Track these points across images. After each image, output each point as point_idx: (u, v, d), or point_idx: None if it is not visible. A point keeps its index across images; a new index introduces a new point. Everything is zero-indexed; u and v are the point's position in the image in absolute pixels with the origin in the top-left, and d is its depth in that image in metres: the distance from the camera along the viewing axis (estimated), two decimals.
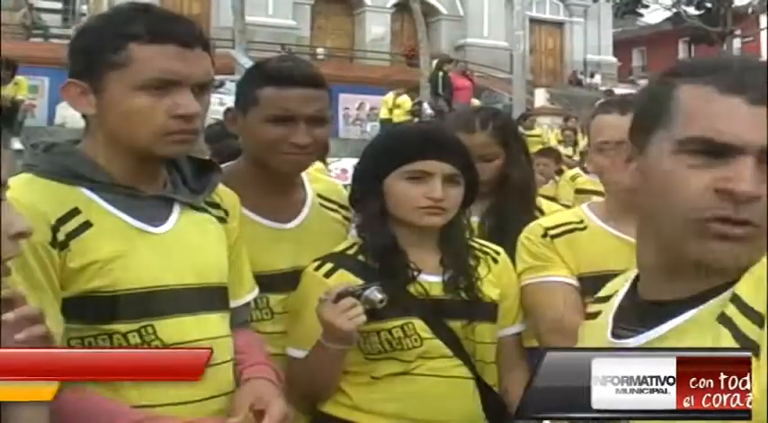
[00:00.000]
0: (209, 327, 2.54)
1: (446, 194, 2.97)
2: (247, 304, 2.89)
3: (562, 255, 3.22)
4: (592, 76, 48.46)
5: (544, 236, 3.26)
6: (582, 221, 3.28)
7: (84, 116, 2.53)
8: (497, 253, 3.22)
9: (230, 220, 2.76)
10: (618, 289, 1.99)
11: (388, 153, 3.08)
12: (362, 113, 33.65)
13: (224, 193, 2.78)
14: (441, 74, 25.73)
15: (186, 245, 2.54)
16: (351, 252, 3.07)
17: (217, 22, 43.90)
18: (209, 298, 2.57)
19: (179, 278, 2.48)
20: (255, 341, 2.85)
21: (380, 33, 47.52)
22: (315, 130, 3.12)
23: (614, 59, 54.44)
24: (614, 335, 1.84)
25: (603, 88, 37.09)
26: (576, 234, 3.25)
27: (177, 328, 2.45)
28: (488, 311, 3.08)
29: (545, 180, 13.31)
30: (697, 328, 1.67)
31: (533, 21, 52.35)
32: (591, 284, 3.08)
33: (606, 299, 2.01)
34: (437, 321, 2.98)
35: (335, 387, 2.99)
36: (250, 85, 3.17)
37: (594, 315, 2.01)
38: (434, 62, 28.88)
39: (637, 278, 1.92)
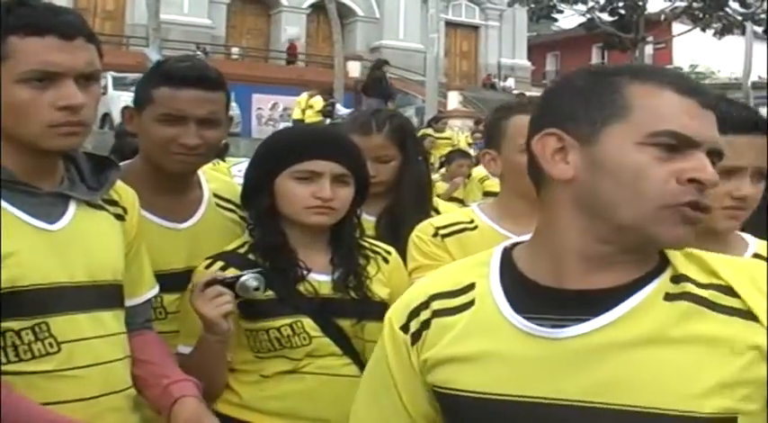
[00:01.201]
0: (102, 324, 2.52)
1: (335, 194, 2.99)
2: (148, 301, 2.87)
3: (453, 254, 3.24)
4: (505, 79, 48.87)
5: (435, 235, 3.29)
6: (472, 221, 3.31)
7: None
8: (388, 252, 3.24)
9: (128, 218, 2.74)
10: (473, 281, 1.97)
11: (277, 153, 3.09)
12: (275, 114, 33.61)
13: (122, 191, 2.76)
14: (379, 75, 25.66)
15: (81, 243, 2.51)
16: (242, 250, 3.07)
17: (131, 19, 43.65)
18: (103, 296, 2.55)
19: (72, 276, 2.46)
20: (165, 348, 2.84)
21: (296, 34, 47.42)
22: (205, 131, 3.12)
23: (528, 63, 55.02)
24: (538, 325, 1.82)
25: (516, 92, 37.40)
26: (467, 234, 3.28)
27: (70, 326, 2.43)
28: (378, 310, 3.03)
29: (461, 180, 13.42)
30: (648, 308, 1.77)
31: (449, 24, 52.69)
32: None
33: (458, 292, 1.97)
34: (326, 320, 2.99)
35: (223, 383, 3.00)
36: (147, 85, 3.16)
37: (458, 309, 1.94)
38: (346, 64, 28.79)
39: (510, 267, 1.96)
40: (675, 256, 1.84)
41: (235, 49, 45.12)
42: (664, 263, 1.85)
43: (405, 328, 2.01)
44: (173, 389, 2.63)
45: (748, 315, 1.74)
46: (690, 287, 1.79)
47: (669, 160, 1.75)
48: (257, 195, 3.08)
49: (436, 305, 1.97)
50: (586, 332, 1.77)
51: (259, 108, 34.79)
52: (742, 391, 1.69)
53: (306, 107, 24.90)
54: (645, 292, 1.79)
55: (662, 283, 1.80)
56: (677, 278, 1.81)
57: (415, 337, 1.98)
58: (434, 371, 1.92)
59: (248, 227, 3.15)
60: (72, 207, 2.54)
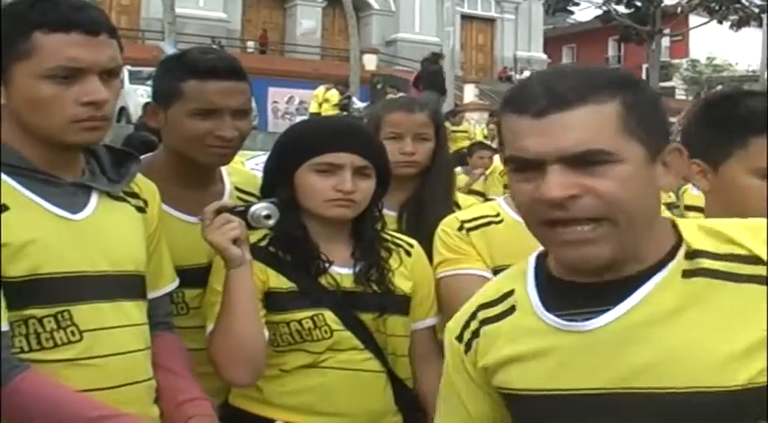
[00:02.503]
0: (124, 314, 2.53)
1: (356, 186, 2.96)
2: (168, 295, 2.87)
3: (477, 247, 3.20)
4: (521, 72, 48.77)
5: (460, 229, 3.24)
6: (498, 215, 3.26)
7: None
8: (411, 246, 3.21)
9: (149, 210, 2.75)
10: (512, 288, 2.06)
11: (297, 145, 3.06)
12: (291, 107, 33.64)
13: (143, 184, 2.77)
14: (436, 68, 25.67)
15: (103, 233, 2.52)
16: (263, 243, 3.04)
17: (147, 13, 43.80)
18: (125, 285, 2.56)
19: (94, 265, 2.47)
20: (185, 358, 2.82)
21: (311, 27, 47.52)
22: (239, 122, 3.10)
23: (544, 56, 54.97)
24: (581, 319, 1.88)
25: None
26: (492, 227, 3.23)
27: (93, 314, 2.44)
28: (400, 304, 3.07)
29: (482, 172, 13.45)
30: (666, 288, 1.83)
31: (465, 17, 52.70)
32: None
33: (498, 300, 2.06)
34: (348, 313, 2.97)
35: (258, 347, 2.88)
36: (171, 78, 3.11)
37: (500, 315, 2.04)
38: (362, 57, 28.79)
39: (542, 270, 2.02)
40: (690, 231, 1.89)
41: (250, 43, 45.18)
42: (680, 240, 1.89)
43: (459, 338, 2.13)
44: (188, 407, 2.64)
45: None
46: (705, 262, 1.83)
47: (528, 181, 1.84)
48: (277, 188, 3.05)
49: (482, 315, 2.09)
50: (612, 321, 1.83)
51: (275, 102, 34.83)
52: None
53: (322, 100, 24.97)
54: (662, 274, 1.84)
55: (678, 262, 1.85)
56: (692, 254, 1.85)
57: (468, 346, 2.10)
58: (494, 375, 2.03)
59: None
60: (94, 198, 2.55)
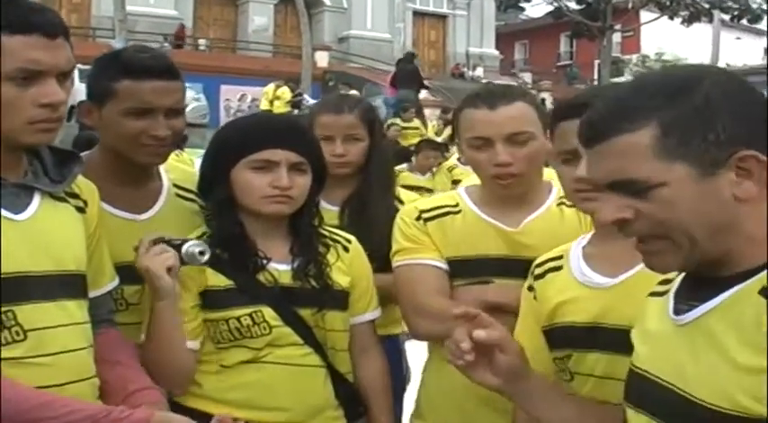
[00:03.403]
0: (67, 313, 2.55)
1: (293, 182, 2.98)
2: (109, 293, 2.89)
3: (433, 238, 3.25)
4: (474, 68, 48.90)
5: (418, 218, 3.28)
6: (457, 205, 3.29)
7: None
8: (348, 241, 3.24)
9: (89, 211, 2.76)
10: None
11: (232, 143, 3.08)
12: (244, 105, 33.57)
13: (83, 184, 2.78)
14: (413, 67, 25.80)
15: (45, 233, 2.54)
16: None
17: (97, 11, 43.45)
18: (68, 285, 2.57)
19: (38, 265, 2.48)
20: (131, 350, 2.87)
21: (263, 24, 47.39)
22: (173, 121, 3.11)
23: (497, 52, 55.11)
24: (675, 311, 1.94)
25: (485, 81, 37.43)
26: (450, 217, 3.27)
27: (37, 314, 2.45)
28: (338, 299, 3.10)
29: (427, 170, 13.46)
30: (742, 300, 1.78)
31: (417, 13, 52.73)
32: (460, 267, 3.17)
33: (670, 281, 2.08)
34: (286, 309, 2.99)
35: (186, 361, 2.98)
36: (105, 78, 3.11)
37: (662, 293, 2.07)
38: (314, 54, 28.78)
39: None
40: None
41: (202, 41, 45.00)
42: None
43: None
44: (138, 396, 2.67)
45: None
46: None
47: None
48: (214, 186, 3.07)
49: (655, 288, 2.15)
50: (691, 320, 1.87)
51: (227, 99, 34.76)
52: None
53: (273, 98, 24.97)
54: (743, 284, 1.81)
55: (761, 278, 1.79)
56: None
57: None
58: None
59: (206, 217, 3.14)
60: (36, 198, 2.56)
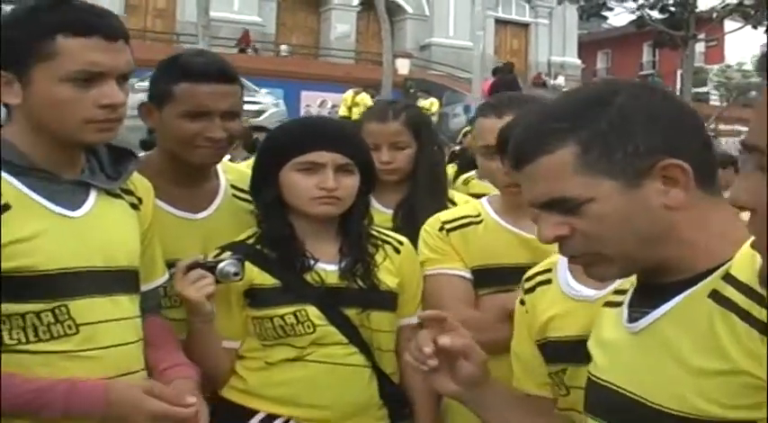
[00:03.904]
0: (119, 307, 2.61)
1: (339, 183, 3.03)
2: (158, 288, 2.96)
3: (456, 248, 3.30)
4: (555, 77, 48.65)
5: (441, 229, 3.34)
6: (479, 215, 3.35)
7: (5, 105, 2.59)
8: (400, 243, 3.27)
9: (143, 208, 2.83)
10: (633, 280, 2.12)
11: (280, 146, 3.14)
12: (324, 111, 33.60)
13: (138, 181, 2.85)
14: (511, 77, 25.89)
15: (100, 229, 2.60)
16: (251, 241, 3.13)
17: (182, 17, 43.90)
18: (120, 280, 2.64)
19: (91, 261, 2.55)
20: (168, 332, 2.92)
21: (345, 31, 47.53)
22: (229, 123, 3.18)
23: (578, 61, 54.77)
24: (629, 319, 1.97)
25: (567, 90, 37.23)
26: (472, 228, 3.33)
27: (89, 308, 2.52)
28: (385, 300, 3.14)
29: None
30: (692, 305, 1.82)
31: (499, 21, 52.61)
32: (484, 276, 3.21)
33: (625, 291, 2.11)
34: (332, 309, 3.03)
35: (224, 367, 3.06)
36: (164, 81, 3.20)
37: (617, 304, 2.11)
38: (395, 61, 28.76)
39: None
40: (743, 252, 1.78)
41: (283, 47, 45.26)
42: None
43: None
44: (170, 372, 2.74)
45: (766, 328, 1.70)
46: (728, 289, 1.76)
47: None
48: (264, 188, 3.13)
49: (610, 298, 2.21)
50: (644, 327, 1.90)
51: (307, 105, 34.87)
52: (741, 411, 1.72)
53: (352, 104, 24.98)
54: (692, 289, 1.84)
55: (712, 280, 1.81)
56: (726, 277, 1.79)
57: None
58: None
59: (257, 218, 3.20)
60: (92, 195, 2.64)
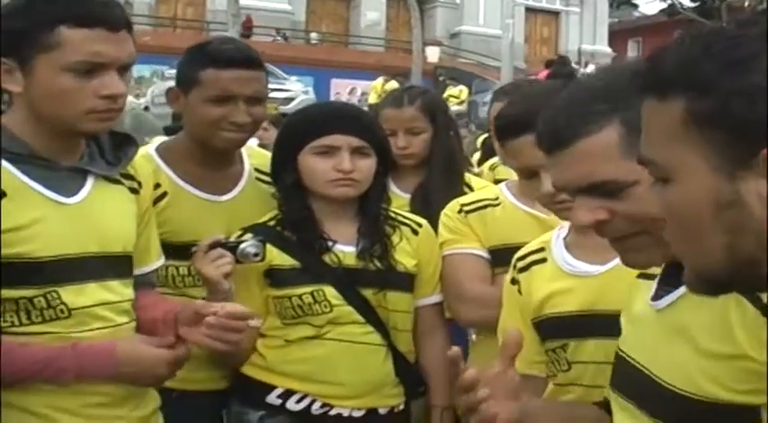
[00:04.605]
0: (111, 292, 2.67)
1: (355, 166, 3.11)
2: (154, 271, 3.03)
3: (474, 229, 3.39)
4: (586, 65, 48.26)
5: (459, 211, 3.43)
6: (497, 198, 3.44)
7: (7, 92, 2.63)
8: (419, 225, 3.36)
9: (142, 192, 2.88)
10: None
11: (296, 131, 3.24)
12: (354, 98, 33.57)
13: (138, 166, 2.90)
14: (570, 70, 25.92)
15: (96, 215, 2.66)
16: (272, 223, 3.22)
17: (212, 5, 43.88)
18: (113, 265, 2.69)
19: (84, 247, 2.60)
20: (159, 297, 3.00)
21: (375, 19, 47.44)
22: (253, 108, 3.26)
23: (609, 50, 54.44)
24: (655, 296, 1.94)
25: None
26: (490, 210, 3.42)
27: (81, 294, 2.58)
28: (402, 280, 3.22)
29: None
30: None
31: (529, 9, 52.36)
32: (502, 255, 3.26)
33: None
34: (349, 289, 3.13)
35: (244, 348, 3.11)
36: (191, 67, 3.29)
37: (652, 276, 2.08)
38: (425, 49, 28.72)
39: None
40: None
41: (314, 35, 45.28)
42: None
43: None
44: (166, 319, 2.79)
45: None
46: None
47: None
48: (283, 172, 3.22)
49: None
50: (664, 307, 1.89)
51: (337, 93, 34.91)
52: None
53: (381, 92, 25.00)
54: None
55: None
56: None
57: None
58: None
59: (278, 201, 3.28)
60: (90, 181, 2.68)
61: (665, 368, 1.84)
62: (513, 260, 2.88)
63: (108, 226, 2.69)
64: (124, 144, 2.83)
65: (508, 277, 2.89)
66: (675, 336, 1.83)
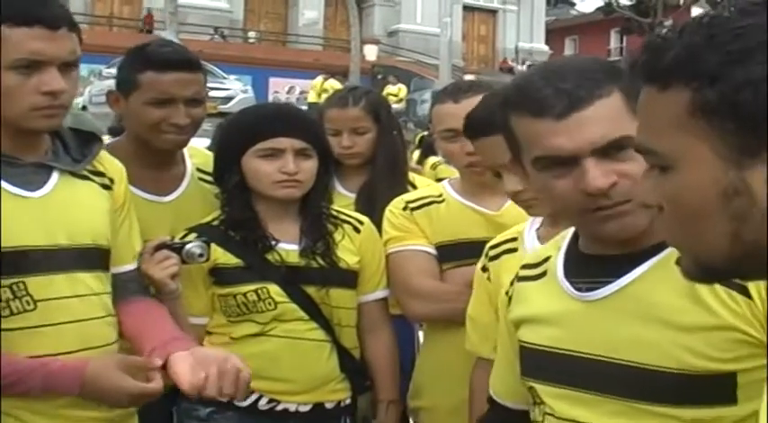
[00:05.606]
0: (81, 284, 2.69)
1: (299, 167, 3.16)
2: (132, 271, 3.01)
3: (420, 225, 3.44)
4: (523, 63, 48.74)
5: (404, 209, 3.47)
6: (441, 195, 3.49)
7: None
8: (361, 223, 3.42)
9: (115, 188, 2.91)
10: (550, 254, 2.20)
11: (240, 133, 3.29)
12: (292, 97, 33.68)
13: (108, 163, 2.93)
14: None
15: (62, 209, 2.69)
16: (216, 223, 3.26)
17: (149, 3, 43.61)
18: (82, 258, 2.71)
19: (51, 239, 2.64)
20: (157, 310, 2.95)
21: (313, 17, 47.42)
22: (193, 110, 3.31)
23: (546, 48, 54.83)
24: (580, 290, 2.03)
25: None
26: (435, 206, 3.46)
27: (46, 285, 2.61)
28: (345, 277, 3.28)
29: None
30: (661, 270, 1.90)
31: (467, 8, 52.60)
32: (449, 252, 3.35)
33: (538, 264, 2.22)
34: (293, 286, 3.18)
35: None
36: (131, 70, 3.32)
37: (534, 277, 2.20)
38: (363, 48, 28.75)
39: (575, 241, 2.14)
40: None
41: (251, 33, 45.23)
42: None
43: (506, 292, 2.35)
44: (156, 353, 2.74)
45: (745, 290, 1.82)
46: None
47: (566, 175, 1.94)
48: (227, 174, 3.25)
49: (521, 273, 2.28)
50: (608, 294, 1.97)
51: (276, 91, 34.97)
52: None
53: (321, 91, 25.07)
54: (661, 255, 1.93)
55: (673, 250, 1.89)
56: None
57: (509, 299, 2.31)
58: (517, 329, 2.22)
59: (221, 202, 3.32)
60: (54, 177, 2.72)
61: (628, 350, 1.91)
62: (486, 248, 2.95)
63: (76, 219, 2.72)
64: (90, 142, 2.87)
65: (479, 265, 2.96)
66: (634, 318, 1.92)
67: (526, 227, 2.90)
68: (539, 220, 2.88)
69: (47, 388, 2.55)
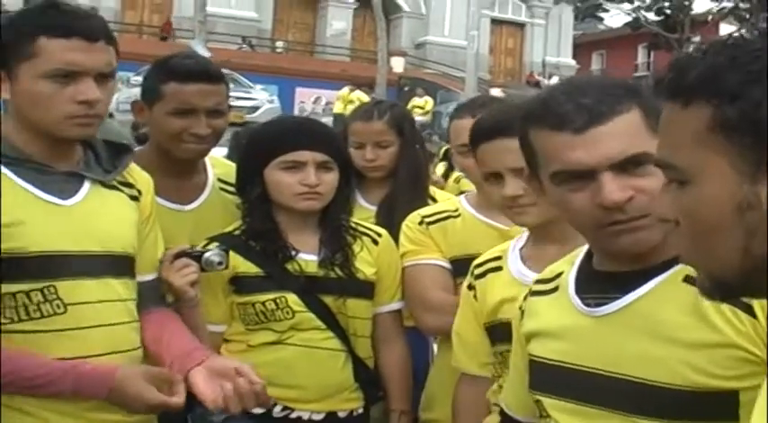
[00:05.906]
0: (109, 289, 2.77)
1: (320, 180, 3.23)
2: (154, 280, 3.08)
3: (436, 240, 3.50)
4: (550, 77, 48.60)
5: (420, 223, 3.54)
6: (457, 210, 3.55)
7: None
8: (379, 235, 3.48)
9: (143, 199, 2.99)
10: (563, 270, 2.25)
11: (262, 146, 3.34)
12: (318, 107, 33.75)
13: (138, 175, 3.02)
14: None
15: (92, 217, 2.77)
16: (237, 232, 3.33)
17: (178, 12, 43.73)
18: (111, 264, 2.80)
19: (81, 245, 2.72)
20: (173, 322, 3.03)
21: (341, 28, 47.46)
22: (213, 120, 3.39)
23: (573, 62, 54.72)
24: (590, 305, 2.08)
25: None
26: (450, 221, 3.52)
27: (77, 289, 2.68)
28: (362, 288, 3.34)
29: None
30: (669, 287, 1.95)
31: (495, 21, 52.52)
32: (463, 266, 3.35)
33: (551, 279, 2.27)
34: (311, 296, 3.24)
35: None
36: (155, 81, 3.42)
37: (544, 292, 2.26)
38: (390, 59, 28.80)
39: (588, 258, 2.19)
40: None
41: (279, 43, 45.32)
42: None
43: (519, 307, 2.39)
44: (174, 365, 2.84)
45: (749, 309, 1.86)
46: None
47: (583, 188, 1.99)
48: (249, 185, 3.32)
49: (534, 287, 2.34)
50: (616, 310, 2.02)
51: (302, 102, 35.01)
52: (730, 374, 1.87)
53: (347, 102, 25.09)
54: (668, 273, 1.97)
55: (681, 268, 1.93)
56: None
57: (522, 313, 2.36)
58: (528, 342, 2.27)
59: (242, 212, 3.38)
60: (86, 186, 2.81)
61: (634, 365, 1.96)
62: (472, 267, 3.01)
63: (105, 227, 2.80)
64: (121, 153, 2.96)
65: (465, 283, 3.02)
66: (640, 334, 1.96)
67: (510, 246, 2.95)
68: (523, 239, 2.94)
69: (77, 390, 2.63)
